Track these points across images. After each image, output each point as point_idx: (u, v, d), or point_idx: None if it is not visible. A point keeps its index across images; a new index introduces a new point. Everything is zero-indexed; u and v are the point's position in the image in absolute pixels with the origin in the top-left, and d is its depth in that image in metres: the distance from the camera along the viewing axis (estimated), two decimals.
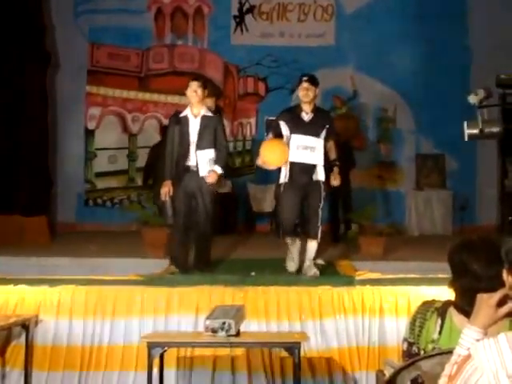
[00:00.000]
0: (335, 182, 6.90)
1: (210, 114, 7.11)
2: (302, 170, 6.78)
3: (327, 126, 6.91)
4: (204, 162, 6.92)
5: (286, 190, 6.82)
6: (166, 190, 6.89)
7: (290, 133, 6.83)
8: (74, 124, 12.18)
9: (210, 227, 7.05)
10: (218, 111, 7.63)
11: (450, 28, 11.99)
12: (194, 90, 6.94)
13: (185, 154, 6.91)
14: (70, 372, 5.14)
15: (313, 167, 6.80)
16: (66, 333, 5.20)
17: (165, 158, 7.09)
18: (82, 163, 12.33)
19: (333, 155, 7.02)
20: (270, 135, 7.13)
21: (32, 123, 10.90)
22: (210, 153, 6.93)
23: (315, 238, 6.67)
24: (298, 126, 6.83)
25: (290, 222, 6.80)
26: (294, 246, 6.83)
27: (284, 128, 6.90)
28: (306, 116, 6.87)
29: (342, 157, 11.51)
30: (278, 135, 6.91)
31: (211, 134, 6.94)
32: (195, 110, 6.99)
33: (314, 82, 7.01)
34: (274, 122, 7.21)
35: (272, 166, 6.94)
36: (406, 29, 12.10)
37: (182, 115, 7.04)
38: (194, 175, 6.90)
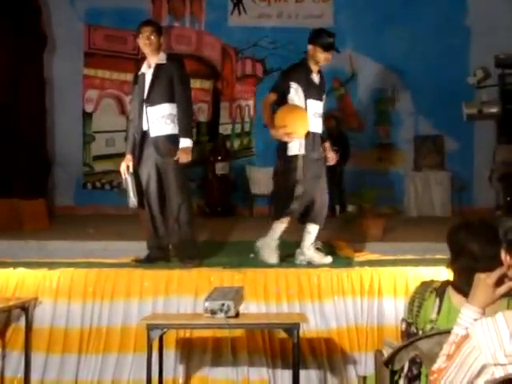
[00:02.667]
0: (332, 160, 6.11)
1: (164, 61, 5.86)
2: (316, 142, 5.95)
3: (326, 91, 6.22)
4: (156, 121, 5.77)
5: (305, 164, 5.84)
6: (124, 165, 5.84)
7: (305, 97, 5.90)
8: (71, 107, 12.16)
9: (186, 208, 5.85)
10: (180, 59, 6.13)
11: (449, 8, 11.94)
12: (146, 37, 5.79)
13: (141, 116, 5.83)
14: (69, 353, 5.15)
15: (320, 137, 6.01)
16: (64, 315, 5.20)
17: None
18: (80, 146, 12.33)
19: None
20: (272, 95, 5.99)
21: (29, 106, 10.89)
22: (163, 109, 5.76)
23: (321, 224, 6.03)
24: (312, 90, 5.96)
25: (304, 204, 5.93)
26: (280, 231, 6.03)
27: (295, 92, 5.91)
28: (316, 78, 6.05)
29: (336, 139, 11.74)
30: (281, 99, 5.92)
31: (165, 85, 5.77)
32: (151, 62, 5.86)
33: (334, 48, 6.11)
34: (283, 83, 6.01)
35: (296, 138, 5.82)
36: (405, 9, 12.04)
37: (140, 72, 5.94)
38: (150, 141, 5.82)
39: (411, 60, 12.00)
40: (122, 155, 12.52)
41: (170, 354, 5.05)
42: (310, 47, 6.04)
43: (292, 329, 4.27)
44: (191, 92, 6.03)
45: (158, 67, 5.81)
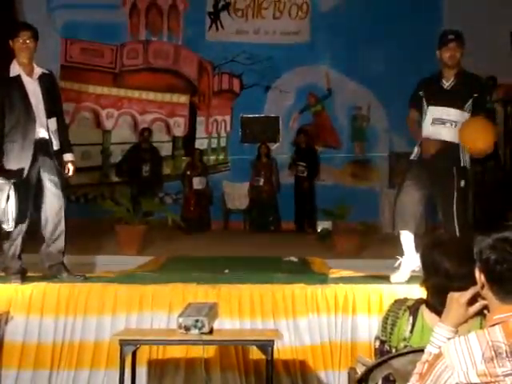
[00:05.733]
0: None
1: (46, 71, 5.71)
2: (439, 150, 5.56)
3: (475, 95, 5.54)
4: (52, 135, 5.61)
5: (412, 168, 5.77)
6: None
7: (428, 105, 5.62)
8: None
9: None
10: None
11: (424, 27, 12.06)
12: (25, 40, 5.51)
13: (31, 124, 5.48)
14: (41, 369, 5.09)
15: (454, 147, 5.52)
16: (36, 330, 5.13)
17: None
18: None
19: None
20: (411, 112, 5.91)
21: None
22: (54, 122, 5.63)
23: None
24: (438, 96, 5.59)
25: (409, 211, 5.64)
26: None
27: (423, 100, 5.69)
28: (447, 83, 5.59)
29: (306, 154, 11.86)
30: (419, 111, 5.73)
31: (52, 98, 5.66)
32: (28, 68, 5.57)
33: (462, 40, 5.66)
34: (414, 94, 5.86)
35: (476, 154, 5.56)
36: (381, 27, 12.16)
37: (12, 75, 5.52)
38: (45, 151, 5.58)
39: (386, 78, 12.10)
40: (97, 168, 12.66)
41: (143, 370, 5.01)
42: (437, 53, 5.70)
43: (266, 345, 4.25)
44: None
45: (44, 78, 5.65)
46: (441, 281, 2.73)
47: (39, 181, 5.63)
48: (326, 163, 12.48)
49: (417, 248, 5.49)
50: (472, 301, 2.33)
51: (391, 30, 12.10)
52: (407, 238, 5.67)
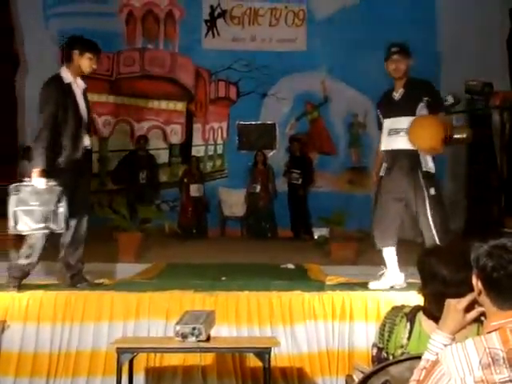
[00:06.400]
0: None
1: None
2: (398, 160, 5.64)
3: (425, 99, 5.59)
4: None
5: (384, 184, 5.77)
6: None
7: (383, 118, 5.79)
8: None
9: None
10: None
11: (421, 34, 12.10)
12: (95, 62, 5.74)
13: (79, 132, 5.59)
14: (38, 378, 5.07)
15: (413, 154, 5.58)
16: (33, 338, 5.12)
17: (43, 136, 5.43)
18: None
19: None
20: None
21: (1, 126, 10.81)
22: None
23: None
24: (391, 108, 5.73)
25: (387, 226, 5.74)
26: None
27: (381, 116, 5.82)
28: (397, 94, 5.74)
29: (299, 162, 11.87)
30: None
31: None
32: (77, 79, 5.73)
33: (405, 52, 5.83)
34: (377, 118, 6.02)
35: (424, 153, 5.61)
36: (377, 34, 12.16)
37: (66, 82, 5.64)
38: (88, 160, 5.90)
39: (383, 84, 12.08)
40: (94, 176, 12.60)
41: (140, 378, 5.00)
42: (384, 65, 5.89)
43: (263, 353, 4.25)
44: None
45: (85, 91, 5.80)
46: (438, 287, 2.73)
47: (76, 188, 5.63)
48: (323, 170, 12.50)
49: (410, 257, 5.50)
50: (469, 307, 2.33)
51: (388, 36, 12.09)
52: (389, 254, 5.79)
